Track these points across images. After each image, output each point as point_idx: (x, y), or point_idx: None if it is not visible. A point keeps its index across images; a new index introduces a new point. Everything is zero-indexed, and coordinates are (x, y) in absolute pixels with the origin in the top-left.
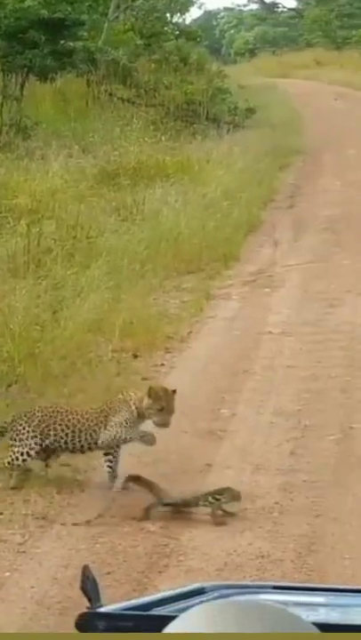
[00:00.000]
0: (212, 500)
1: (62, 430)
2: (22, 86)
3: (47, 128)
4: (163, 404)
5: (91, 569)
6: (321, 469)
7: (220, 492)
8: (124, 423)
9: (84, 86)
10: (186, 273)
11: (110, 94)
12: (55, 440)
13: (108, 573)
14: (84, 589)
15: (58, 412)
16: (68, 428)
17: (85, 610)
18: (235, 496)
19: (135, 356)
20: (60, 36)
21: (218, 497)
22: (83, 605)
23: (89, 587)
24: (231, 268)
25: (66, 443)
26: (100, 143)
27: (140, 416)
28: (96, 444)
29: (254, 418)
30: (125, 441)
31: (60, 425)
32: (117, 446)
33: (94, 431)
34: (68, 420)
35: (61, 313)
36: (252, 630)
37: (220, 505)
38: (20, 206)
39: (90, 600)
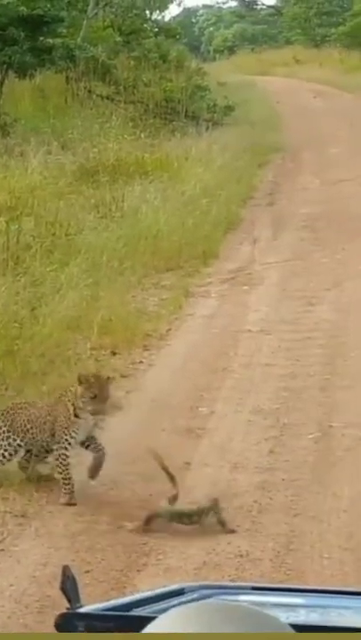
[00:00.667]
0: (219, 511)
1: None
2: (1, 83)
3: (26, 125)
4: (95, 391)
5: (71, 569)
6: (300, 468)
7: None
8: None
9: (63, 83)
10: (165, 270)
11: (89, 91)
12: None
13: (87, 572)
14: (63, 589)
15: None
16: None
17: (65, 610)
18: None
19: (114, 354)
20: (39, 33)
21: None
22: (62, 604)
23: (69, 587)
24: (210, 266)
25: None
26: (80, 140)
27: (77, 416)
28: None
29: (233, 416)
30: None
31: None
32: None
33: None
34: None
35: (40, 310)
36: (227, 631)
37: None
38: None
39: (69, 600)
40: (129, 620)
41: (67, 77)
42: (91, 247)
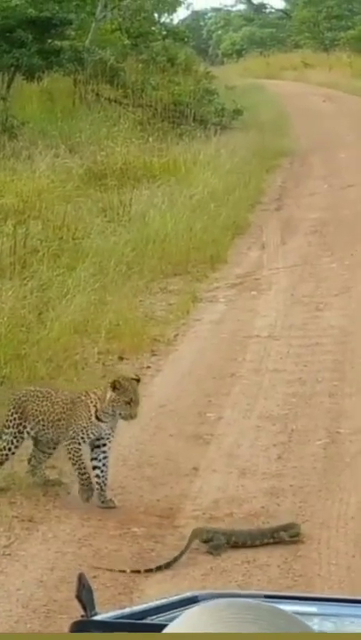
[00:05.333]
0: (277, 536)
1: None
2: (9, 85)
3: (34, 128)
4: (130, 395)
5: (86, 577)
6: (308, 474)
7: (286, 527)
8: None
9: (70, 86)
10: (172, 275)
11: (97, 94)
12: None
13: (94, 577)
14: (79, 597)
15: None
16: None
17: (79, 617)
18: (297, 532)
19: (121, 359)
20: (47, 35)
21: (283, 532)
22: (69, 608)
23: (84, 595)
24: (218, 271)
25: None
26: (87, 143)
27: (99, 419)
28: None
29: (241, 422)
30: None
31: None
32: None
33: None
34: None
35: (47, 314)
36: (256, 629)
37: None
38: (6, 206)
39: (85, 608)
40: (143, 627)
41: (74, 80)
42: (98, 251)
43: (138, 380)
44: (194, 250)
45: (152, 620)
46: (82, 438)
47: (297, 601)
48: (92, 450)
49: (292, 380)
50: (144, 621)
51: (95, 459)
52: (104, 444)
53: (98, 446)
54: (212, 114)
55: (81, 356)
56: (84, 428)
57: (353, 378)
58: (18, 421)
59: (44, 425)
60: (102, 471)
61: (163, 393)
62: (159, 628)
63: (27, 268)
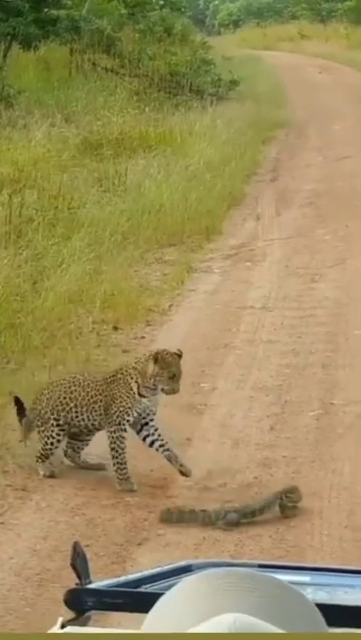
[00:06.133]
0: (285, 499)
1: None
2: (5, 54)
3: (30, 97)
4: (173, 370)
5: (81, 545)
6: (301, 445)
7: (291, 490)
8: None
9: (67, 55)
10: (168, 245)
11: (94, 64)
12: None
13: (87, 546)
14: (73, 566)
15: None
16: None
17: (74, 586)
18: (300, 496)
19: (115, 328)
20: (43, 4)
21: (289, 495)
22: (61, 577)
23: (79, 563)
24: (213, 242)
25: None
26: (83, 113)
27: (142, 395)
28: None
29: (234, 392)
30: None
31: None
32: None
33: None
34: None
35: (42, 284)
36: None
37: (288, 502)
38: (1, 175)
39: (79, 576)
40: (138, 596)
41: (71, 49)
42: (93, 221)
43: (180, 355)
44: (189, 220)
45: (147, 588)
46: (127, 421)
47: (290, 570)
48: (141, 430)
49: (286, 351)
50: (139, 590)
51: (148, 435)
52: (151, 420)
53: (145, 424)
54: (209, 84)
55: (75, 326)
56: (129, 408)
57: (347, 349)
58: (49, 415)
59: (76, 412)
60: (162, 440)
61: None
62: (153, 596)
63: (22, 237)
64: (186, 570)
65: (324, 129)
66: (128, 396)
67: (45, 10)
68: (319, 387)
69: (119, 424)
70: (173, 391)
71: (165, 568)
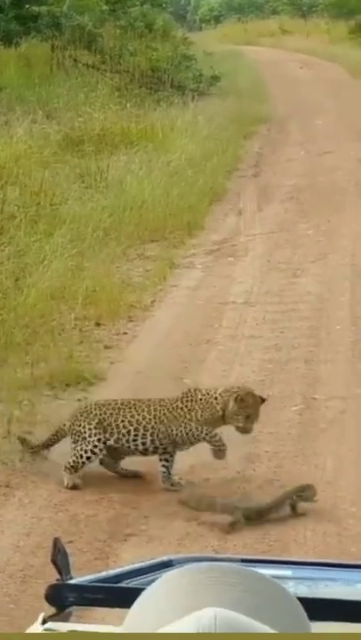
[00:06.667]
0: (296, 498)
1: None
2: None
3: (11, 93)
4: (251, 411)
5: (61, 542)
6: (284, 440)
7: (302, 489)
8: (205, 421)
9: (48, 51)
10: (150, 241)
11: (75, 60)
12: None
13: (70, 542)
14: (54, 561)
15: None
16: (132, 425)
17: (55, 581)
18: (313, 493)
19: (98, 325)
20: (24, 1)
21: (301, 494)
22: (45, 573)
23: (59, 559)
24: (195, 237)
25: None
26: (65, 109)
27: (220, 420)
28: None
29: None
30: (198, 439)
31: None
32: (188, 444)
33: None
34: (132, 416)
35: (24, 280)
36: (231, 593)
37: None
38: None
39: (60, 572)
40: (119, 591)
41: (52, 46)
42: (75, 217)
43: (263, 400)
44: (171, 216)
45: (128, 583)
46: (210, 431)
47: (272, 565)
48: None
49: (269, 346)
50: (120, 585)
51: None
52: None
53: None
54: (190, 80)
55: (58, 322)
56: (210, 424)
57: (329, 344)
58: (95, 431)
59: (136, 434)
60: (171, 455)
61: (139, 359)
62: (134, 591)
63: (4, 233)
64: (167, 565)
65: (305, 124)
66: (211, 415)
67: (26, 6)
68: (301, 382)
69: (207, 434)
70: (246, 431)
71: (147, 563)
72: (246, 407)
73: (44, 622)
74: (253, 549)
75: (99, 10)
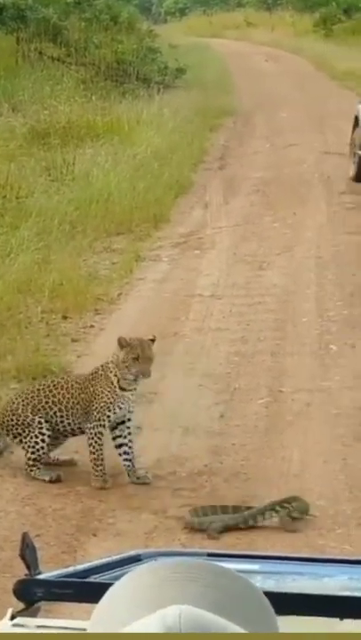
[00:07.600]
0: (279, 509)
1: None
2: None
3: None
4: (137, 351)
5: (30, 536)
6: (250, 432)
7: (289, 500)
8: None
9: (13, 44)
10: (116, 234)
11: (40, 53)
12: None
13: (38, 536)
14: (23, 556)
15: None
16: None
17: (23, 576)
18: (305, 507)
19: (65, 318)
20: None
21: (286, 505)
22: (12, 567)
23: (28, 554)
24: (161, 230)
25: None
26: (30, 102)
27: (123, 388)
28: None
29: (184, 380)
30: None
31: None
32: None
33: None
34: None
35: None
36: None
37: (289, 513)
38: None
39: (28, 567)
40: (87, 586)
41: (17, 38)
42: (42, 210)
43: (153, 340)
44: (137, 209)
45: (96, 578)
46: (108, 417)
47: (239, 559)
48: (115, 428)
49: (235, 338)
50: (87, 580)
51: (119, 436)
52: (128, 419)
53: (122, 422)
54: (156, 72)
55: (24, 315)
56: (110, 403)
57: (295, 336)
58: (32, 417)
59: (61, 415)
60: (129, 447)
61: (106, 351)
62: (103, 586)
63: None
64: (135, 559)
65: (270, 116)
66: (110, 391)
67: None
68: (268, 374)
69: (99, 420)
70: (142, 374)
71: (115, 558)
72: (131, 348)
73: (12, 617)
74: (220, 543)
75: (64, 2)
